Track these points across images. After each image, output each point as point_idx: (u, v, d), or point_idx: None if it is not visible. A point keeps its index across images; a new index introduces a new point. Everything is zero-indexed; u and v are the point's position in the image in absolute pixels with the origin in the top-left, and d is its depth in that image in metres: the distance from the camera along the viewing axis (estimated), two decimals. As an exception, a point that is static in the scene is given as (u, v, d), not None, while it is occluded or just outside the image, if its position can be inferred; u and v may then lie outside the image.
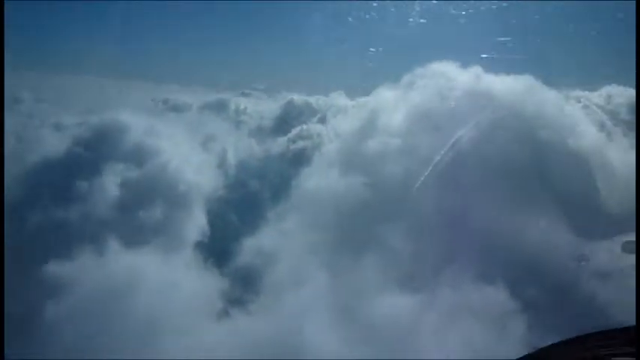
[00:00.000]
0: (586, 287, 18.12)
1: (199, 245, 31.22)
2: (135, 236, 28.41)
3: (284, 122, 62.48)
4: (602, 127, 33.17)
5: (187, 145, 44.87)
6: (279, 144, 55.04)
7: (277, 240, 25.18)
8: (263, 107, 74.30)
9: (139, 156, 36.36)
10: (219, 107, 72.51)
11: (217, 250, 30.40)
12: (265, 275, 23.11)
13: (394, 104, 30.85)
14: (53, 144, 37.45)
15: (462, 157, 20.47)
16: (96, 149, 35.93)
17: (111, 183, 32.67)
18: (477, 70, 30.37)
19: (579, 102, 38.36)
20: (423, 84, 30.46)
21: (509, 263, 17.56)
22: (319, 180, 28.06)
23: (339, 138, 32.50)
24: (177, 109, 71.59)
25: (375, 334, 15.56)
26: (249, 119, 68.88)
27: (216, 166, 44.40)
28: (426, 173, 19.94)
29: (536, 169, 22.73)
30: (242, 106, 73.32)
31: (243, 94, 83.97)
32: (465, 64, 31.35)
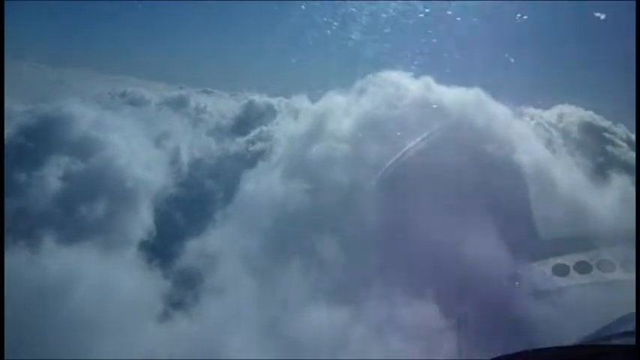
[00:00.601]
0: (518, 306, 18.12)
1: (143, 244, 30.22)
2: (74, 233, 27.29)
3: (244, 123, 61.67)
4: (551, 145, 33.74)
5: (140, 140, 43.58)
6: (237, 144, 54.32)
7: (218, 244, 24.48)
8: (224, 106, 73.03)
9: (85, 149, 35.03)
10: (179, 104, 70.81)
11: (161, 250, 29.42)
12: (199, 280, 22.38)
13: (345, 110, 30.70)
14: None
15: (406, 168, 20.25)
16: (40, 140, 34.44)
17: (52, 176, 31.31)
18: (427, 80, 30.46)
19: (532, 119, 39.17)
20: (374, 91, 30.41)
21: (446, 279, 17.38)
22: (266, 183, 27.50)
23: (290, 141, 32.02)
24: (135, 103, 69.48)
25: (295, 346, 15.15)
26: (209, 117, 67.47)
27: (169, 163, 43.24)
28: (370, 182, 19.71)
29: (481, 183, 22.73)
30: (202, 104, 71.84)
31: (205, 92, 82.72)
32: (417, 73, 31.50)
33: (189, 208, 35.49)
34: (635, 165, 25.68)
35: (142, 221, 31.89)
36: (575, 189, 27.61)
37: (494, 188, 23.60)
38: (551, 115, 43.22)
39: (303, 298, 17.90)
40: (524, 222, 23.27)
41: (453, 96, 28.55)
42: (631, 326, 3.41)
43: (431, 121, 25.00)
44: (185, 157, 46.23)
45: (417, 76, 31.29)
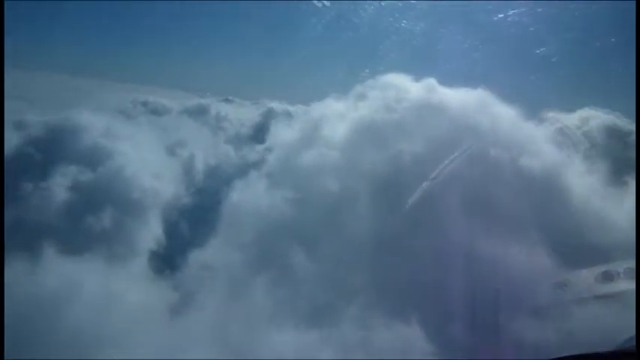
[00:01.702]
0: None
1: (151, 255, 29.80)
2: (80, 243, 26.91)
3: (263, 130, 61.46)
4: (575, 149, 32.20)
5: (157, 149, 43.51)
6: (256, 152, 53.88)
7: (214, 255, 23.78)
8: (244, 114, 73.46)
9: (96, 159, 34.88)
10: (200, 112, 71.51)
11: (169, 261, 28.95)
12: (197, 291, 21.68)
13: (346, 116, 29.65)
14: (8, 142, 35.85)
15: (405, 175, 19.09)
16: (50, 150, 34.47)
17: (59, 186, 31.18)
18: (431, 82, 29.02)
19: (554, 123, 37.62)
20: (374, 95, 29.30)
21: (443, 298, 16.16)
22: (256, 193, 26.69)
23: (287, 149, 31.17)
24: (156, 112, 70.26)
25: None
26: (229, 126, 67.94)
27: (184, 172, 43.06)
28: (367, 191, 18.63)
29: (485, 188, 21.31)
30: (223, 113, 72.39)
31: (226, 101, 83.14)
32: (424, 75, 30.07)
33: (200, 217, 34.92)
34: (636, 165, 24.21)
35: (150, 231, 31.47)
36: (598, 195, 26.07)
37: (507, 196, 22.23)
38: (574, 118, 41.61)
39: (272, 319, 17.00)
40: (547, 230, 21.91)
41: (459, 98, 27.07)
42: None
43: (433, 123, 23.80)
44: (201, 166, 46.01)
45: (425, 77, 29.89)
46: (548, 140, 30.16)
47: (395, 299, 16.59)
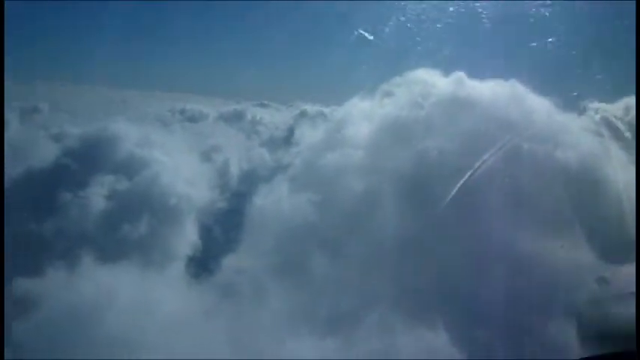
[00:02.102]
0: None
1: (188, 260, 30.08)
2: (117, 251, 27.40)
3: (297, 133, 61.48)
4: (619, 139, 30.75)
5: (193, 156, 44.12)
6: (289, 154, 53.93)
7: (243, 259, 23.77)
8: (279, 118, 73.79)
9: (133, 167, 35.56)
10: (236, 118, 72.41)
11: (204, 265, 29.13)
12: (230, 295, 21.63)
13: (379, 114, 29.10)
14: (47, 154, 37.02)
15: (432, 172, 18.43)
16: (88, 160, 35.28)
17: (97, 195, 31.89)
18: (459, 75, 28.02)
19: (597, 113, 36.25)
20: (402, 92, 28.61)
21: (475, 304, 15.56)
22: (280, 197, 26.58)
23: (313, 152, 30.86)
24: (193, 119, 71.37)
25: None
26: (264, 129, 68.27)
27: (219, 177, 43.45)
28: (393, 188, 18.11)
29: (525, 183, 20.42)
30: (258, 117, 73.03)
31: (261, 105, 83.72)
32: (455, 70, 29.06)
33: (235, 220, 35.07)
34: (636, 164, 22.97)
35: (187, 236, 31.79)
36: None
37: (546, 190, 21.35)
38: (617, 108, 39.75)
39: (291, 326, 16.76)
40: (590, 225, 20.96)
41: (490, 91, 26.06)
42: None
43: (462, 118, 23.04)
44: (235, 170, 46.34)
45: (455, 70, 28.93)
46: (589, 131, 28.98)
47: (427, 300, 16.12)
